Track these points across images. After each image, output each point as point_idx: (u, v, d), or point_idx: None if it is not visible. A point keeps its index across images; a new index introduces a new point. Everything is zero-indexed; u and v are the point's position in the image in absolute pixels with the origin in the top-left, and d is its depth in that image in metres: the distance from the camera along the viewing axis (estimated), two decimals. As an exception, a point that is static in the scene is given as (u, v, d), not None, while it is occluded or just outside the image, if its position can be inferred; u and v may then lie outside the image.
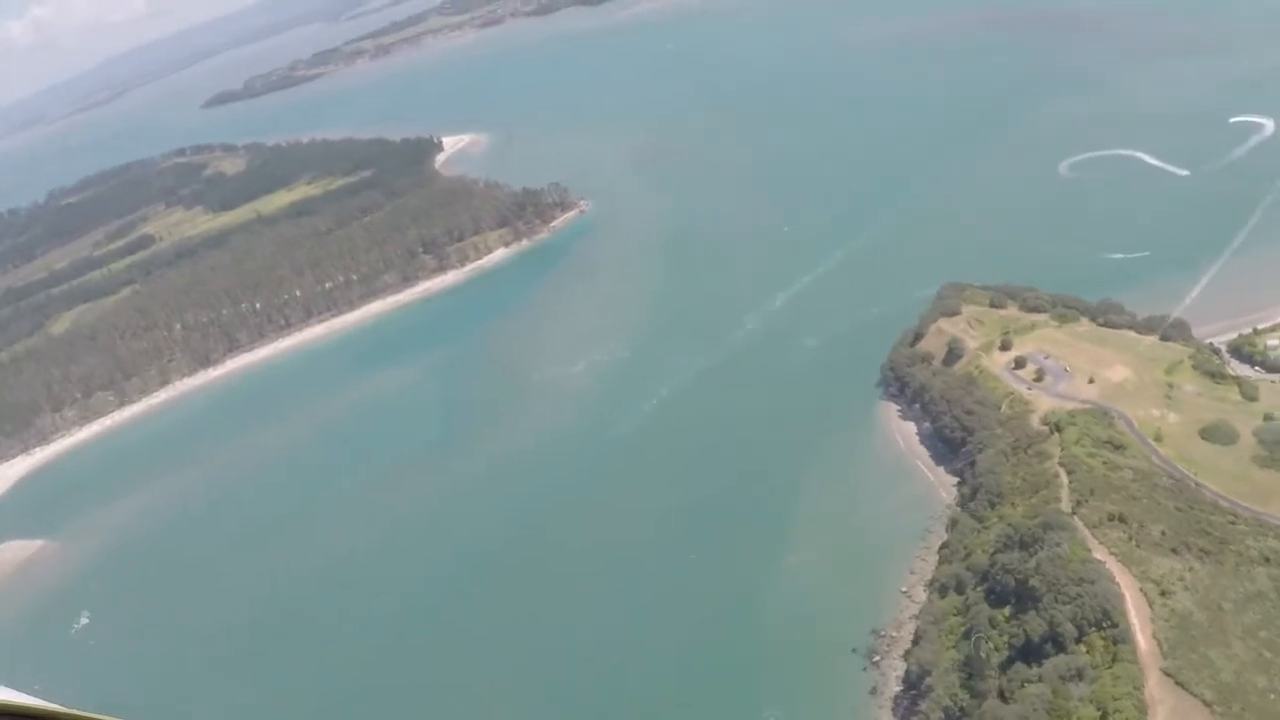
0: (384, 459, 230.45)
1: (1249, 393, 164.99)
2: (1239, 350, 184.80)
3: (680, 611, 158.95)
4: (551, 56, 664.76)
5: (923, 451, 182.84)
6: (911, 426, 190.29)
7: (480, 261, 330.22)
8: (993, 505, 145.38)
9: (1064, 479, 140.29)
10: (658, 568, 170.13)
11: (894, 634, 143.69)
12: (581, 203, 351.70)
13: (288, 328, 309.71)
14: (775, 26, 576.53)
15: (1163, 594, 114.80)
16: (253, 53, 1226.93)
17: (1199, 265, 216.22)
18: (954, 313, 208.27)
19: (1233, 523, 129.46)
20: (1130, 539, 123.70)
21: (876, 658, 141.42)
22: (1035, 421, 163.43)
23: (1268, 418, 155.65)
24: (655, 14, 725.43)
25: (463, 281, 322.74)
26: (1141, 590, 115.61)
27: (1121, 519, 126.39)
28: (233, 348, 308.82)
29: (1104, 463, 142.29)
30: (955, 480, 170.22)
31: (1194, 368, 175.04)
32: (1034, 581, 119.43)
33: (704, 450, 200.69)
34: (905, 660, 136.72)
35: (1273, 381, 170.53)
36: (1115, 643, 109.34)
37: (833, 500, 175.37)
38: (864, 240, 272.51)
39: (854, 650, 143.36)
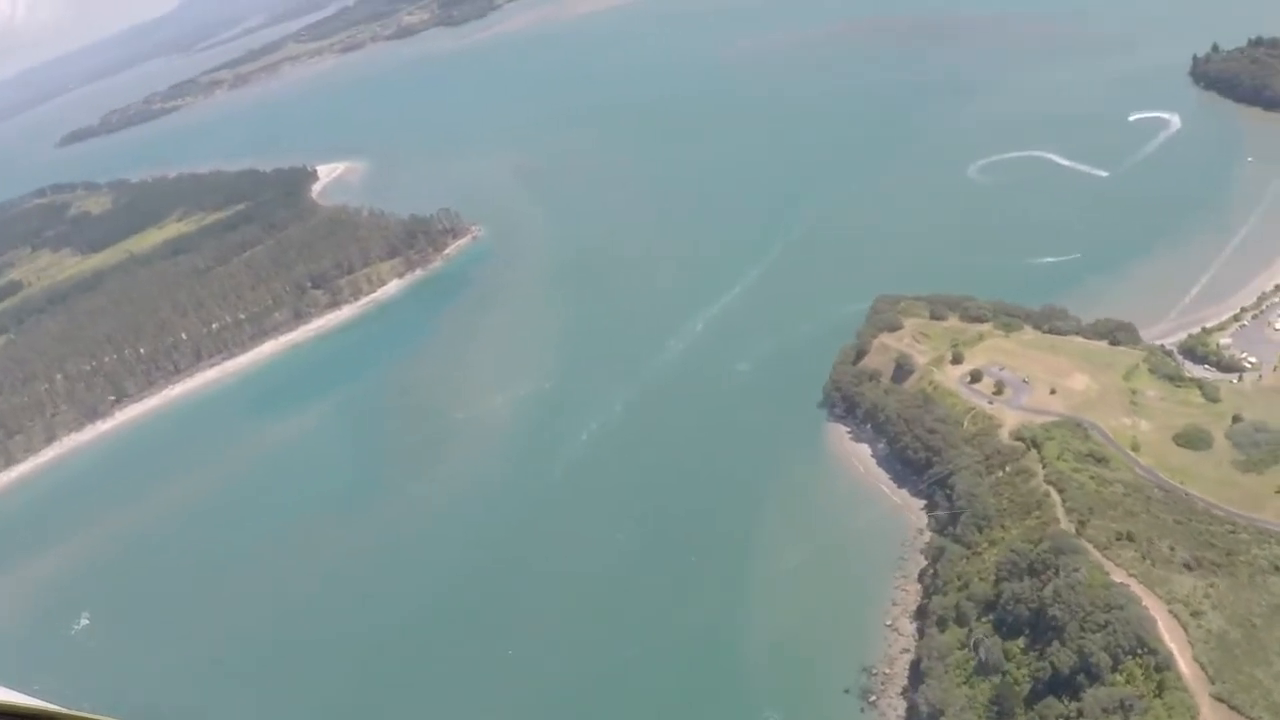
0: (302, 512, 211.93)
1: (1211, 394, 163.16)
2: (1192, 351, 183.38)
3: (654, 658, 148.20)
4: (419, 79, 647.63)
5: (881, 474, 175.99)
6: (865, 449, 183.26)
7: (374, 294, 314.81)
8: (980, 530, 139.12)
9: (1055, 498, 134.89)
10: (621, 614, 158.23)
11: (887, 671, 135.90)
12: (474, 228, 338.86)
13: (177, 374, 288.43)
14: (648, 42, 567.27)
15: (1194, 614, 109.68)
16: (106, 87, 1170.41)
17: (1132, 266, 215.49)
18: (896, 327, 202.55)
19: (1233, 532, 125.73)
20: (1144, 558, 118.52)
21: (872, 697, 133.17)
22: (1005, 437, 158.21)
23: (1236, 419, 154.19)
24: (518, 33, 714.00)
25: (359, 316, 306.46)
26: (1171, 612, 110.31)
27: (1130, 537, 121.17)
28: (121, 398, 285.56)
29: (1092, 477, 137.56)
30: (923, 503, 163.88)
31: (1150, 372, 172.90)
32: (1054, 610, 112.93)
33: (648, 486, 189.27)
34: (906, 698, 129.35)
35: (1231, 381, 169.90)
36: (1158, 670, 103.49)
37: (794, 531, 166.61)
38: (778, 256, 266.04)
39: (847, 691, 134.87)
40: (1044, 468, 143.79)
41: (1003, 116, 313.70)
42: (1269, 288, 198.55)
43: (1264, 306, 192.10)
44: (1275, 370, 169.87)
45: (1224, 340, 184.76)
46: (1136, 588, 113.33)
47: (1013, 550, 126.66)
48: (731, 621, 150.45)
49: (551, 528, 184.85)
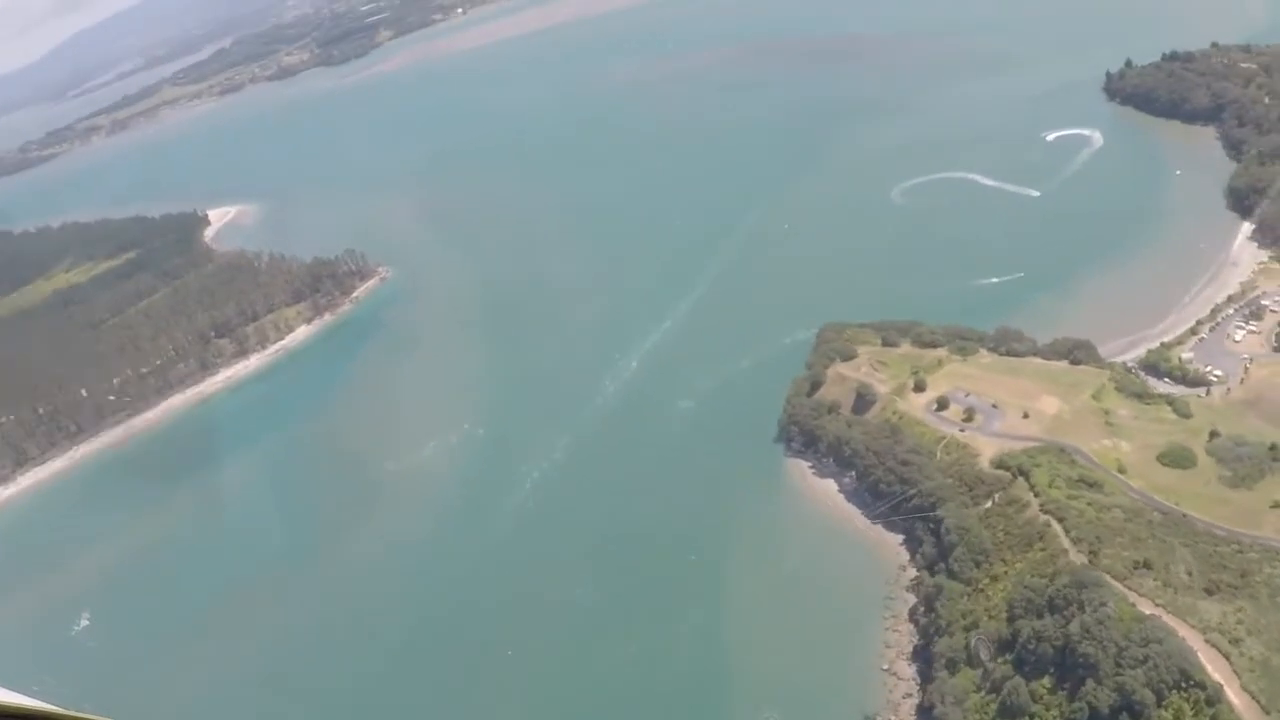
0: (230, 585, 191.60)
1: (1182, 410, 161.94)
2: (1154, 367, 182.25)
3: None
4: (303, 120, 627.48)
5: (851, 509, 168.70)
6: (830, 484, 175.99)
7: (284, 341, 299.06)
8: (978, 565, 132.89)
9: (1057, 528, 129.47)
10: (591, 680, 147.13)
11: (892, 718, 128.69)
12: (381, 269, 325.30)
13: (79, 434, 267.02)
14: (537, 76, 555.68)
15: (1233, 642, 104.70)
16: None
17: (1077, 284, 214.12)
18: (850, 356, 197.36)
19: (1240, 551, 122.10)
20: (1166, 586, 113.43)
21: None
22: (985, 466, 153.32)
23: (1214, 435, 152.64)
24: (399, 72, 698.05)
25: (269, 365, 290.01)
26: (1209, 641, 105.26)
27: (1148, 565, 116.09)
28: (22, 461, 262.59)
29: (1089, 504, 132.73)
30: (901, 539, 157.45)
31: (1118, 390, 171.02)
32: (1085, 647, 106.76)
33: (604, 536, 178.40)
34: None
35: (1199, 395, 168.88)
36: (1209, 704, 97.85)
37: (769, 575, 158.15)
38: (707, 287, 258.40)
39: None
40: (1037, 496, 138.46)
41: (918, 137, 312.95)
42: (1220, 299, 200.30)
43: (1219, 319, 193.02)
44: (1242, 382, 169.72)
45: (1185, 354, 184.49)
46: (1167, 618, 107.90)
47: (1025, 586, 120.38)
48: (715, 679, 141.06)
49: (505, 588, 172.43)
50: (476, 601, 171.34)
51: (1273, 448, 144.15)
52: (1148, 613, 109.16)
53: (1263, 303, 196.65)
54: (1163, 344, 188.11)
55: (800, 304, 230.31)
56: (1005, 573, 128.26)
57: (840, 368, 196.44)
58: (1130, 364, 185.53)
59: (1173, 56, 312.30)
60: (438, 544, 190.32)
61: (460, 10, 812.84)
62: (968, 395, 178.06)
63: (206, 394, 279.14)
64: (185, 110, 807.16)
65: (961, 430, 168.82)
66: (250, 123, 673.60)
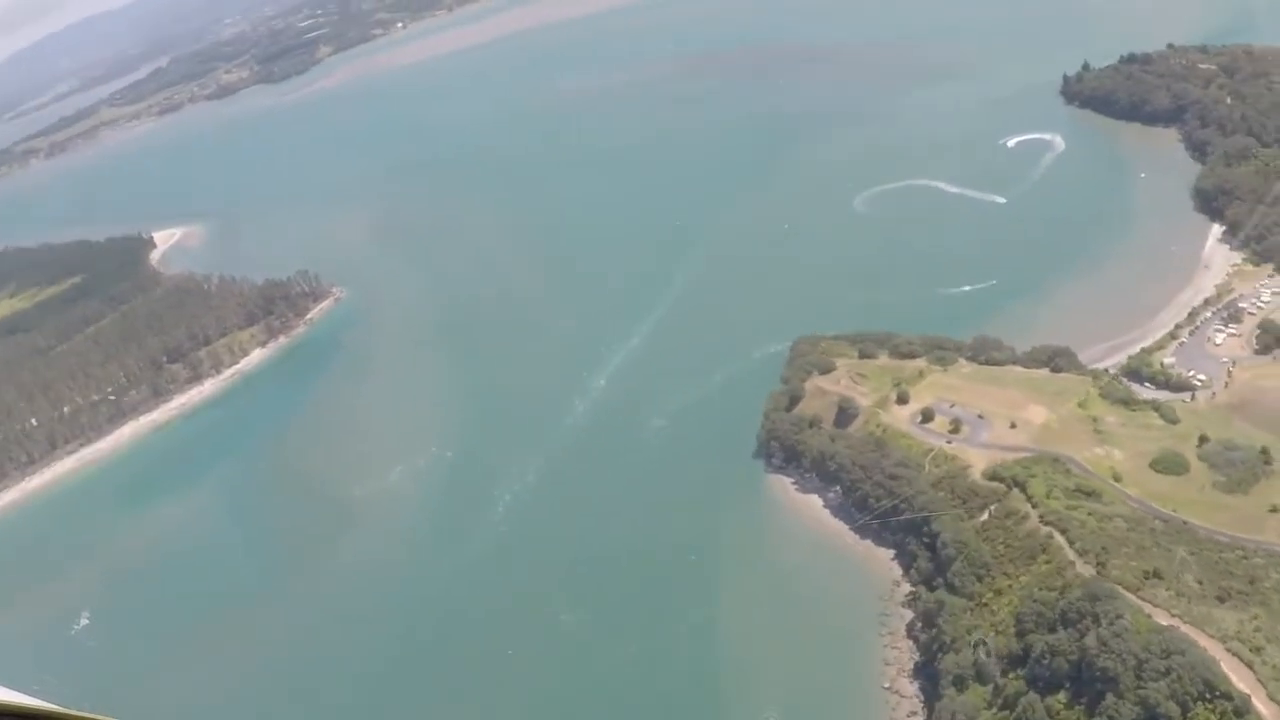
0: (197, 617, 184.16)
1: (1169, 416, 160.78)
2: (1136, 372, 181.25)
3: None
4: (246, 138, 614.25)
5: (838, 524, 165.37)
6: (815, 499, 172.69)
7: (238, 365, 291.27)
8: (980, 579, 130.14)
9: (1060, 539, 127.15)
10: (587, 708, 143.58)
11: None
12: (336, 290, 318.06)
13: (31, 464, 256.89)
14: (479, 90, 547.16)
15: (1255, 650, 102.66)
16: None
17: (1052, 290, 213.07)
18: (828, 368, 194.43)
19: (1245, 558, 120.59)
20: (1179, 595, 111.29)
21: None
22: (977, 477, 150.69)
23: (1203, 440, 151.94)
24: (341, 88, 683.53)
25: (224, 390, 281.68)
26: (1230, 650, 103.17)
27: (1158, 575, 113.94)
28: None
29: (1090, 514, 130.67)
30: (892, 553, 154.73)
31: (1103, 397, 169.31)
32: (1103, 661, 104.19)
33: (585, 559, 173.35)
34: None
35: (1184, 401, 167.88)
36: (1236, 715, 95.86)
37: (759, 594, 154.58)
38: (672, 302, 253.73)
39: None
40: (1035, 508, 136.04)
41: (877, 145, 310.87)
42: (1197, 302, 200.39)
43: (1198, 322, 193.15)
44: (1226, 386, 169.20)
45: (1168, 359, 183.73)
46: (1185, 628, 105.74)
47: (1034, 599, 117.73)
48: (714, 703, 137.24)
49: (488, 614, 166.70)
50: (454, 628, 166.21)
51: (1264, 451, 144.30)
52: (1164, 623, 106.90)
53: (1240, 305, 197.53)
54: (1143, 349, 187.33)
55: (768, 316, 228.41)
56: (1009, 586, 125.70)
57: (819, 380, 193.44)
58: (1113, 370, 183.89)
59: (1130, 59, 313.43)
60: (409, 571, 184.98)
61: (400, 25, 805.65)
62: (953, 406, 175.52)
63: (161, 421, 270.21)
64: (124, 131, 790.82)
65: (949, 442, 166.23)
66: (191, 142, 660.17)
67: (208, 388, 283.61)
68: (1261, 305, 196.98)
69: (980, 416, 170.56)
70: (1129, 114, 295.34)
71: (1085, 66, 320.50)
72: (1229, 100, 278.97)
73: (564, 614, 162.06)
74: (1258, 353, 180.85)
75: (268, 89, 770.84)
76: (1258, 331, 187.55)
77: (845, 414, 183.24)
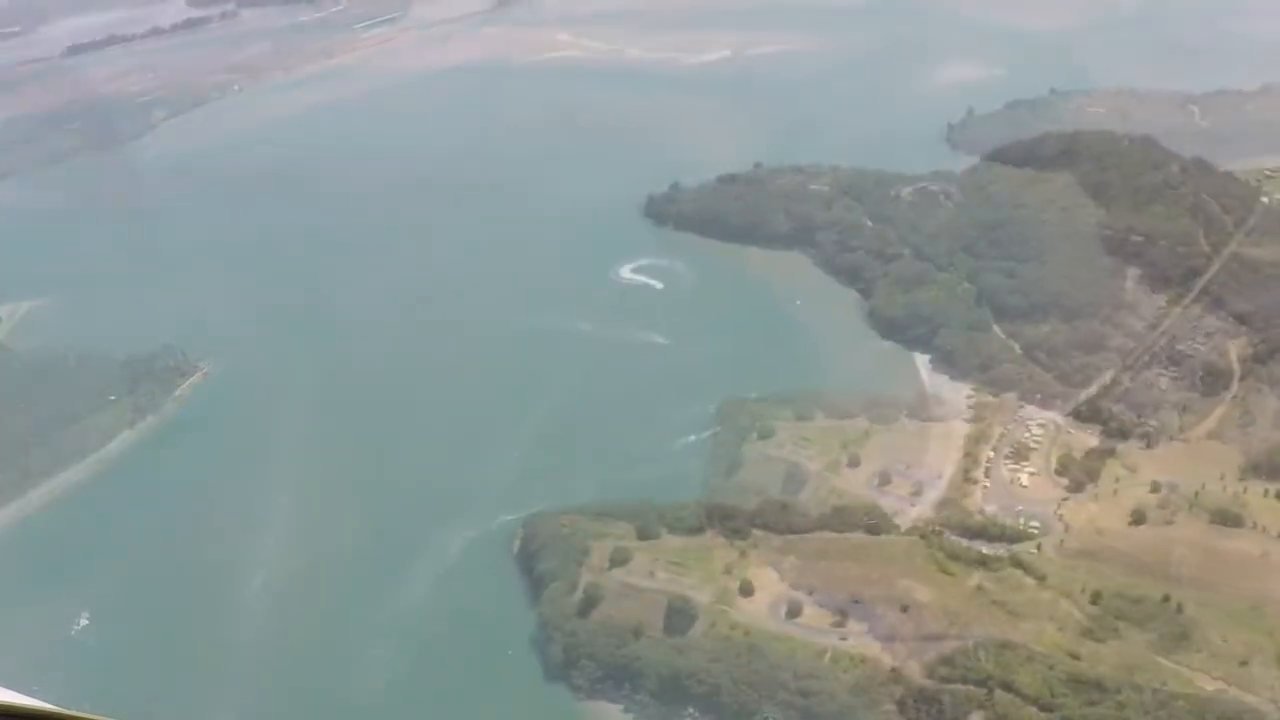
0: None
1: (1035, 573, 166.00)
2: (963, 526, 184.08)
3: None
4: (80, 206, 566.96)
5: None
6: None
7: (105, 450, 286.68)
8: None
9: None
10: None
11: None
12: (203, 365, 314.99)
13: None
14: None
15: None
16: None
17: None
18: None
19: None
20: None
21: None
22: (919, 680, 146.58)
23: (1096, 598, 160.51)
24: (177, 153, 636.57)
25: (91, 477, 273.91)
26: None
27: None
28: None
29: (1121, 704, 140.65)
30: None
31: (952, 559, 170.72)
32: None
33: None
34: None
35: (1031, 552, 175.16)
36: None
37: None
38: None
39: None
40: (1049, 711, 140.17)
41: (466, 281, 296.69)
42: (960, 441, 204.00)
43: (986, 464, 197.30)
44: (1067, 530, 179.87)
45: (987, 509, 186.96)
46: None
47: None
48: None
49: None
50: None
51: (1166, 599, 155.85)
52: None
53: (1022, 437, 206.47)
54: (944, 499, 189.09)
55: (479, 484, 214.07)
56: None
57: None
58: (937, 527, 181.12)
59: (730, 178, 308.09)
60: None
61: (237, 88, 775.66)
62: (811, 593, 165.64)
63: (24, 513, 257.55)
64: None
65: (843, 639, 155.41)
66: (25, 214, 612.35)
67: (74, 474, 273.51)
68: (1039, 439, 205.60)
69: (857, 602, 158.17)
70: (743, 236, 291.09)
71: (674, 185, 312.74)
72: (870, 223, 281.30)
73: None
74: (1071, 490, 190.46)
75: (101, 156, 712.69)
76: (1056, 466, 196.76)
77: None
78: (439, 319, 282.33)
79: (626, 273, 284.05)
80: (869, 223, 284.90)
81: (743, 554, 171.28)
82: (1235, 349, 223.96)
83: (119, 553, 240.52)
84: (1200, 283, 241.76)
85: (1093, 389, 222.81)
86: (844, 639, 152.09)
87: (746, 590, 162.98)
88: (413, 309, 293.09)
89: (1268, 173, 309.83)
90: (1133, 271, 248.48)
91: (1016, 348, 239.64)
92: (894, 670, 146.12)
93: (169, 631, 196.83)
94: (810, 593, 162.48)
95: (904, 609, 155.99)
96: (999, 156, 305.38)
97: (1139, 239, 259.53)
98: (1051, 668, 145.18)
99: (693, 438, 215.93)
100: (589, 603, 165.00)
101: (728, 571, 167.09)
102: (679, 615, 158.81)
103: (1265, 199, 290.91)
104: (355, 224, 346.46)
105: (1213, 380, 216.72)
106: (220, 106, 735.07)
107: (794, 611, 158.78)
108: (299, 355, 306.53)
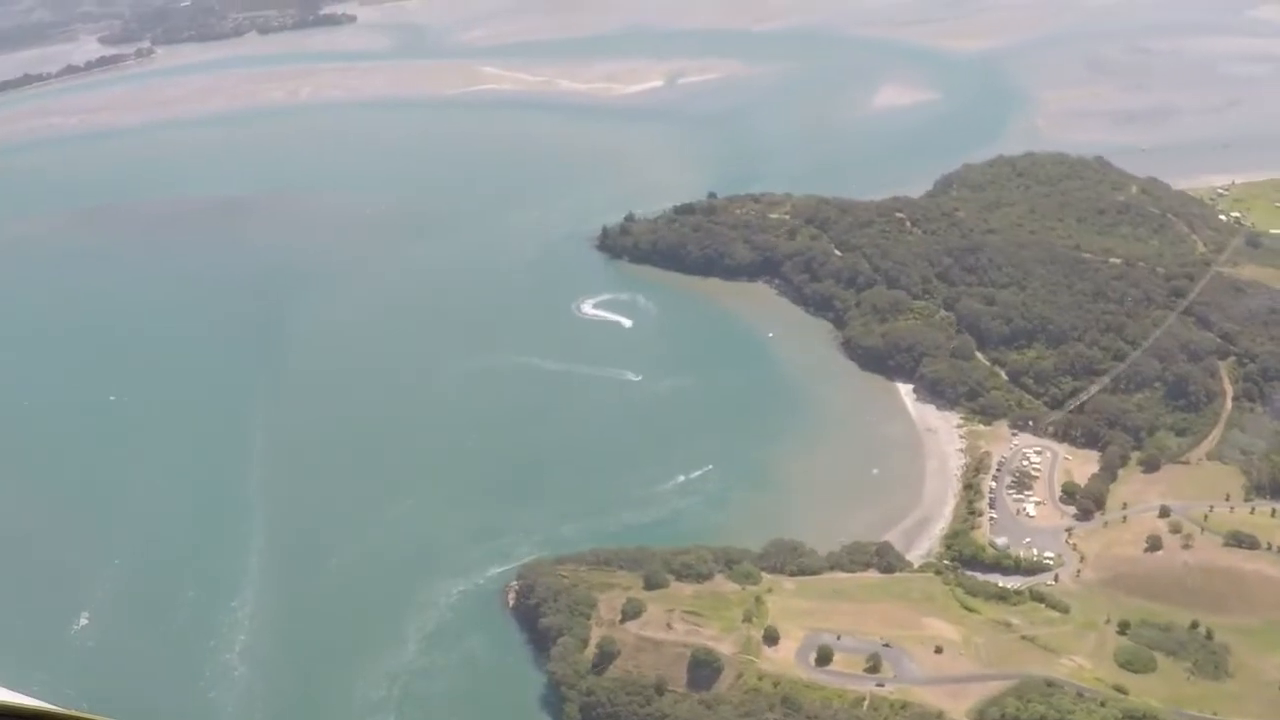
0: None
1: (1057, 605, 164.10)
2: (975, 560, 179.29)
3: None
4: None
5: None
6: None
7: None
8: None
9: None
10: None
11: None
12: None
13: None
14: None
15: None
16: None
17: (772, 472, 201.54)
18: (638, 612, 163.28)
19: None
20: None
21: None
22: None
23: (1124, 628, 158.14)
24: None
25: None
26: None
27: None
28: None
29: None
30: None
31: (971, 594, 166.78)
32: None
33: None
34: None
35: (1048, 584, 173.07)
36: None
37: None
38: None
39: None
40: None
41: (432, 314, 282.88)
42: (958, 473, 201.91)
43: (990, 495, 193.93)
44: (1083, 560, 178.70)
45: (999, 540, 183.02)
46: None
47: None
48: None
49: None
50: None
51: (1194, 626, 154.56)
52: None
53: (1021, 465, 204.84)
54: (950, 531, 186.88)
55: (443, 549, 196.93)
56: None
57: (630, 627, 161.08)
58: (929, 560, 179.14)
59: (687, 209, 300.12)
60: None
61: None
62: (840, 638, 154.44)
63: None
64: None
65: (880, 685, 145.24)
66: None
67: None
68: (1038, 468, 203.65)
69: (887, 645, 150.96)
70: (703, 268, 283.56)
71: (629, 217, 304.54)
72: (839, 252, 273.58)
73: None
74: (1079, 518, 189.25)
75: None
76: (1061, 494, 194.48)
77: (705, 670, 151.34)
78: (404, 364, 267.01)
79: (589, 309, 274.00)
80: (837, 251, 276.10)
81: (759, 600, 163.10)
82: (1226, 369, 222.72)
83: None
84: (1183, 304, 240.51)
85: (1086, 414, 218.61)
86: (880, 685, 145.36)
87: (771, 638, 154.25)
88: (375, 354, 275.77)
89: (1220, 190, 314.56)
90: (1116, 293, 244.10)
91: (1002, 374, 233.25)
92: (940, 715, 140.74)
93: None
94: (839, 637, 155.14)
95: (938, 650, 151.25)
96: (955, 179, 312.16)
97: (1118, 261, 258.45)
98: (1103, 704, 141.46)
99: (682, 478, 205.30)
100: (604, 658, 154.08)
101: (748, 619, 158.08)
102: (703, 668, 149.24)
103: (1224, 216, 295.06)
104: (305, 263, 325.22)
105: (1206, 401, 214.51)
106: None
107: (824, 658, 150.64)
108: (258, 409, 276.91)
